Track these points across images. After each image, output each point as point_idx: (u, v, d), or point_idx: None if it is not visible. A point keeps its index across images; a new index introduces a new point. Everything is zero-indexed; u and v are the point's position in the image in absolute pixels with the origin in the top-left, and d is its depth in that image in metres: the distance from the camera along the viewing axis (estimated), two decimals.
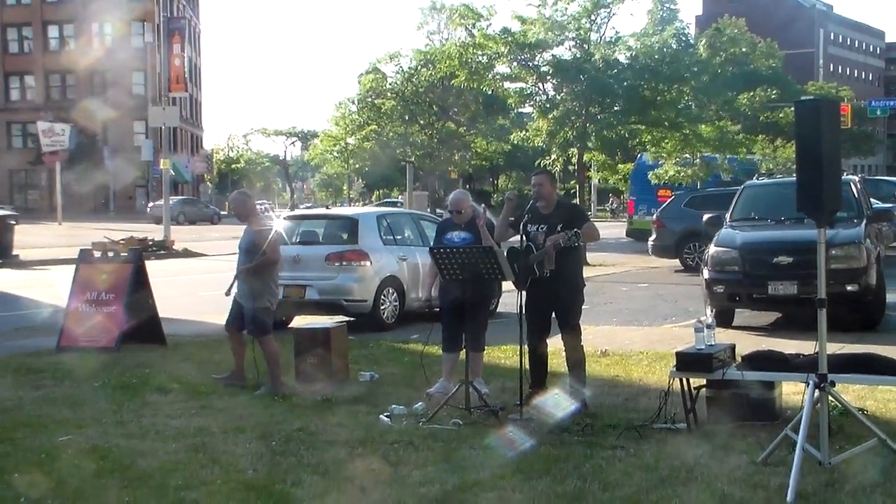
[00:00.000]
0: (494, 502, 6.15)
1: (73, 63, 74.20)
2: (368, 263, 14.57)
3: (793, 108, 7.23)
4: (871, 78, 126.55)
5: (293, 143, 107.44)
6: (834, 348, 8.54)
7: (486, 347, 10.33)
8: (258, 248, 10.25)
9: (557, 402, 8.45)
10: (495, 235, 9.33)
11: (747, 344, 10.16)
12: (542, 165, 30.99)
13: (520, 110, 46.67)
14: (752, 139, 36.27)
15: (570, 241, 8.63)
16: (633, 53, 30.79)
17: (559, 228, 8.72)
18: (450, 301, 9.51)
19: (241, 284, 10.36)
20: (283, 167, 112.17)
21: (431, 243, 10.47)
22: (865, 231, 13.88)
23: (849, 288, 12.93)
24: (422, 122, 54.32)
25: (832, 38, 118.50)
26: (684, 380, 7.90)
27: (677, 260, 25.01)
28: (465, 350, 9.43)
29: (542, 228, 8.84)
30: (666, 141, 31.42)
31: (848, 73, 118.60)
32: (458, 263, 8.78)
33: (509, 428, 8.00)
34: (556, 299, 8.86)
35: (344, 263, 14.55)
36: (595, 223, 9.29)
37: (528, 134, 32.58)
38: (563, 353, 9.07)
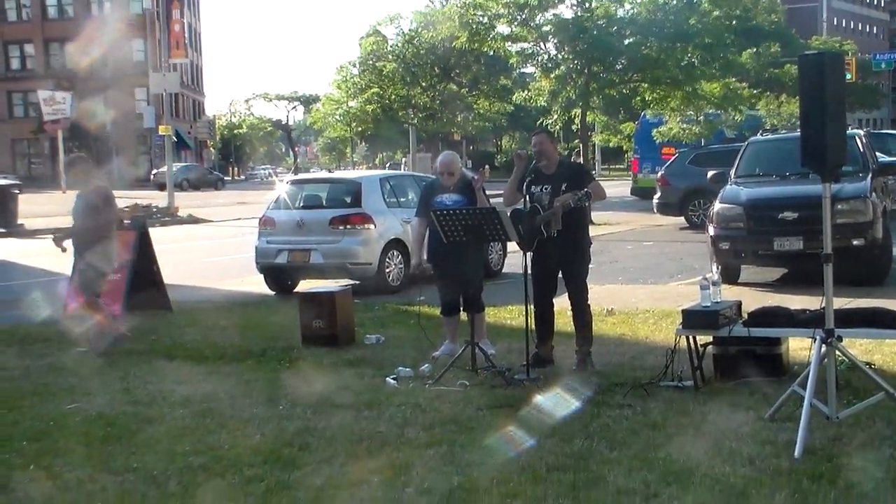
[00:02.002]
0: (502, 462, 6.14)
1: (73, 31, 73.76)
2: (372, 226, 14.54)
3: (796, 65, 7.12)
4: (875, 31, 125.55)
5: (295, 107, 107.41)
6: (840, 303, 8.52)
7: (492, 307, 10.36)
8: (96, 209, 10.19)
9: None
10: (505, 200, 9.21)
11: (753, 300, 10.14)
12: (543, 125, 30.88)
13: (522, 70, 46.39)
14: (758, 96, 36.03)
15: (581, 201, 8.55)
16: (636, 10, 30.58)
17: (564, 188, 8.65)
18: (443, 264, 9.48)
19: (79, 248, 10.38)
20: (286, 132, 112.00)
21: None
22: (871, 185, 13.81)
23: (855, 242, 12.87)
24: (423, 84, 54.14)
25: None
26: (691, 337, 7.87)
27: (682, 217, 24.99)
28: (466, 312, 9.41)
29: (546, 189, 8.74)
30: (669, 99, 31.26)
31: (852, 26, 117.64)
32: (463, 225, 8.72)
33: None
34: (563, 259, 8.81)
35: (348, 227, 14.52)
36: (600, 182, 9.22)
37: (530, 94, 32.43)
38: (570, 313, 9.05)
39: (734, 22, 32.53)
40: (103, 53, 73.22)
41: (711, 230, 13.84)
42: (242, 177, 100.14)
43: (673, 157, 27.31)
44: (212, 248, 24.16)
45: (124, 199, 35.74)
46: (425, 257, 9.86)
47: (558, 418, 7.10)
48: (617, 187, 38.91)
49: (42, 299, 14.05)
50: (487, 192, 10.00)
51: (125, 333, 10.64)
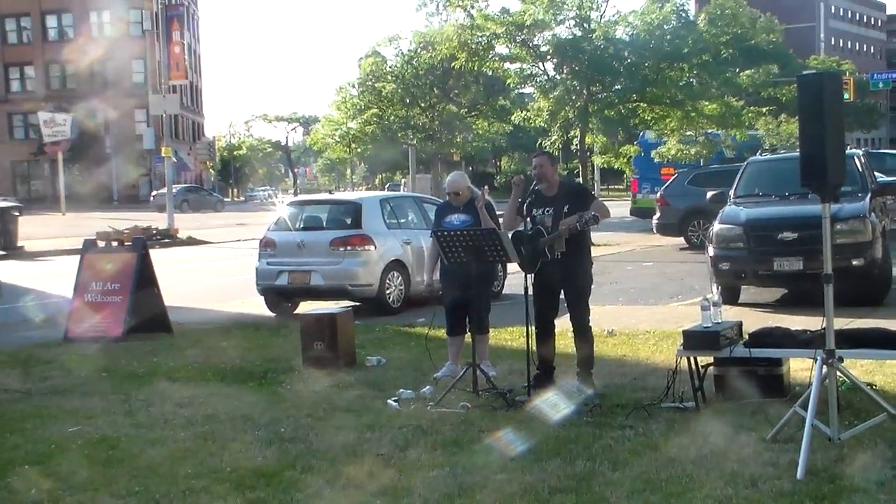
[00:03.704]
0: (504, 484, 6.15)
1: (73, 53, 74.03)
2: (373, 248, 14.56)
3: (795, 85, 7.16)
4: (872, 51, 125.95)
5: (294, 128, 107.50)
6: (841, 323, 8.53)
7: (493, 329, 10.35)
8: None
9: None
10: (504, 224, 9.19)
11: (754, 321, 10.15)
12: (542, 146, 30.99)
13: (521, 91, 46.59)
14: (756, 111, 36.11)
15: (587, 224, 8.53)
16: (634, 31, 30.73)
17: (566, 210, 8.65)
18: (452, 285, 9.51)
19: None
20: (286, 153, 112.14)
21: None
22: (870, 205, 13.83)
23: (854, 262, 12.88)
24: (423, 104, 54.29)
25: (833, 11, 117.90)
26: (692, 358, 7.88)
27: (682, 238, 25.01)
28: (470, 333, 9.43)
29: (548, 212, 8.74)
30: (668, 119, 31.35)
31: (850, 46, 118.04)
32: (463, 246, 8.75)
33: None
34: (566, 280, 8.80)
35: (348, 248, 14.53)
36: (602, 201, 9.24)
37: (529, 114, 32.54)
38: (571, 334, 9.05)
39: (729, 37, 32.70)
40: (103, 75, 73.61)
41: (711, 250, 13.86)
42: (242, 198, 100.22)
43: (672, 178, 27.33)
44: (212, 270, 24.19)
45: (124, 220, 35.85)
46: (437, 276, 9.90)
47: (559, 440, 7.10)
48: (616, 208, 38.92)
49: (43, 322, 14.08)
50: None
51: None
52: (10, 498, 6.25)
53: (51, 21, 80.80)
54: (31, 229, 34.02)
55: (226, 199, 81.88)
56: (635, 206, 33.45)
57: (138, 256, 13.19)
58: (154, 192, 64.72)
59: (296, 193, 71.35)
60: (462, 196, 9.82)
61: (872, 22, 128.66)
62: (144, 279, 13.07)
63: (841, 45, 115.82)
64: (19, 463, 7.03)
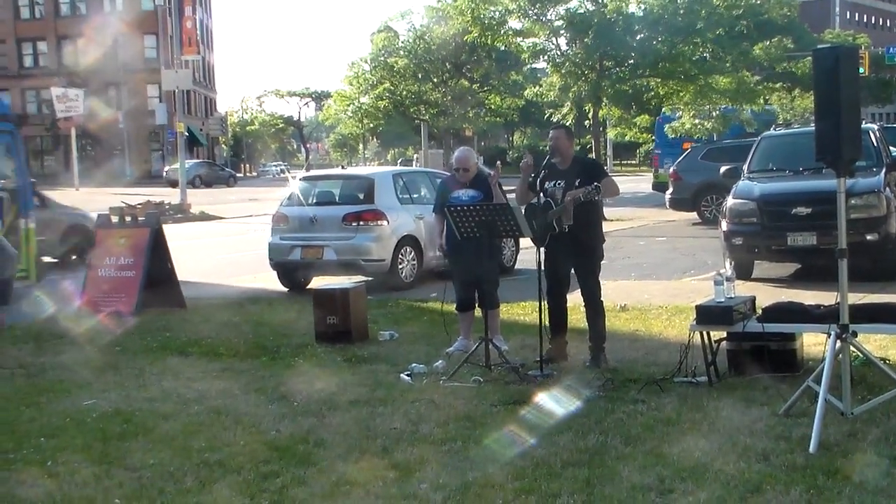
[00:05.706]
0: (517, 458, 6.16)
1: (85, 28, 73.90)
2: (385, 223, 14.55)
3: (810, 59, 7.12)
4: (888, 24, 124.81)
5: (307, 103, 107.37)
6: (855, 298, 8.49)
7: (506, 303, 10.36)
8: None
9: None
10: (517, 199, 9.22)
11: (767, 296, 10.12)
12: (557, 120, 30.91)
13: (533, 65, 46.41)
14: (770, 87, 35.91)
15: (590, 195, 8.55)
16: (647, 5, 30.56)
17: (577, 183, 8.66)
18: (460, 260, 9.53)
19: None
20: (298, 128, 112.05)
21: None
22: (885, 180, 13.77)
23: (869, 237, 12.84)
24: (435, 79, 54.13)
25: None
26: (704, 333, 7.87)
27: (695, 213, 24.94)
28: (480, 308, 9.43)
29: (559, 185, 8.77)
30: (681, 93, 31.20)
31: (865, 19, 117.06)
32: (476, 221, 8.74)
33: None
34: (576, 254, 8.82)
35: (361, 223, 14.53)
36: (614, 178, 9.22)
37: (541, 89, 32.42)
38: (583, 309, 9.06)
39: (742, 11, 32.46)
40: (115, 50, 73.49)
41: (724, 225, 13.83)
42: (254, 173, 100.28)
43: (685, 153, 27.22)
44: (224, 245, 24.24)
45: (137, 195, 35.91)
46: (441, 250, 9.96)
47: (572, 414, 7.11)
48: (628, 184, 38.86)
49: (56, 297, 14.12)
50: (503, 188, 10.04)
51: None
52: (26, 470, 6.29)
53: None
54: None
55: (238, 175, 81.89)
56: (657, 180, 33.30)
57: (151, 231, 13.22)
58: (166, 168, 64.76)
59: (308, 169, 71.42)
60: (470, 172, 9.82)
61: None
62: (158, 254, 13.11)
63: (857, 18, 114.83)
64: (35, 436, 7.08)
